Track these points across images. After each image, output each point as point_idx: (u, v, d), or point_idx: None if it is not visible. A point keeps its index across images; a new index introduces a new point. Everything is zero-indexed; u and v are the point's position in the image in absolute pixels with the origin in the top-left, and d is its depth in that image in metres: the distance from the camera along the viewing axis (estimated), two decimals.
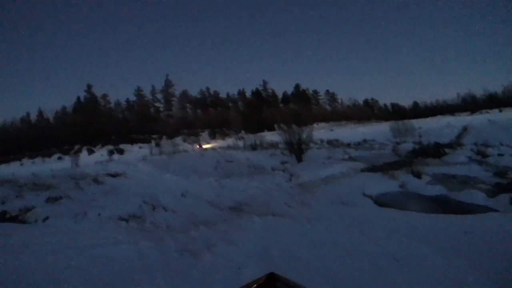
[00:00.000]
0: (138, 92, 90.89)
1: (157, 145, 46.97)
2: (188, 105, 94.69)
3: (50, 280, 5.47)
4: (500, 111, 61.00)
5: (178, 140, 57.25)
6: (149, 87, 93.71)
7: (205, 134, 68.31)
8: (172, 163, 24.76)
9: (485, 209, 9.36)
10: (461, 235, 6.39)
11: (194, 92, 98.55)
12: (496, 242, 5.79)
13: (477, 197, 10.75)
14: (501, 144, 23.54)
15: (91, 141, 57.60)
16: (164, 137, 62.30)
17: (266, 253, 6.35)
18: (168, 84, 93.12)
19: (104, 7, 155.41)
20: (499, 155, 19.37)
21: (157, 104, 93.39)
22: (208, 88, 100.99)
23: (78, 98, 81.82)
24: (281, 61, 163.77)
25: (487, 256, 5.24)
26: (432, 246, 5.94)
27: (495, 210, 9.16)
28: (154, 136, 63.28)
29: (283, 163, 22.82)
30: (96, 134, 59.23)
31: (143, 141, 58.11)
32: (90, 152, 53.35)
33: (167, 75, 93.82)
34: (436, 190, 12.32)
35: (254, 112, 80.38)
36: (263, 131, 61.14)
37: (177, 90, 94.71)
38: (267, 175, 18.60)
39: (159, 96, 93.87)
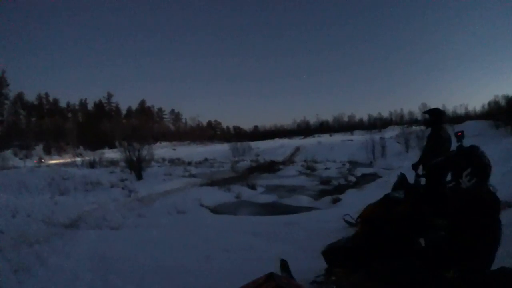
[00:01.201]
0: None
1: None
2: (22, 111, 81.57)
3: None
4: (330, 135, 69.03)
5: (8, 153, 50.44)
6: None
7: (39, 148, 61.94)
8: None
9: (309, 209, 10.36)
10: (284, 226, 6.99)
11: (31, 96, 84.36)
12: (312, 227, 6.55)
13: (303, 200, 12.08)
14: (327, 160, 27.06)
15: None
16: None
17: (102, 259, 6.10)
18: (2, 82, 77.30)
19: None
20: (325, 168, 22.02)
21: None
22: (47, 94, 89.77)
23: None
24: (128, 74, 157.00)
25: (302, 237, 5.99)
26: (258, 237, 6.38)
27: (319, 209, 10.27)
28: None
29: (122, 180, 21.98)
30: None
31: None
32: None
33: (3, 71, 76.48)
34: (268, 198, 13.29)
35: (95, 126, 75.58)
36: (103, 147, 58.10)
37: (11, 92, 78.21)
38: (106, 191, 17.81)
39: None
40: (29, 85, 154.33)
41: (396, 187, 5.18)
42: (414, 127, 47.37)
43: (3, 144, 54.41)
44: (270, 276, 2.19)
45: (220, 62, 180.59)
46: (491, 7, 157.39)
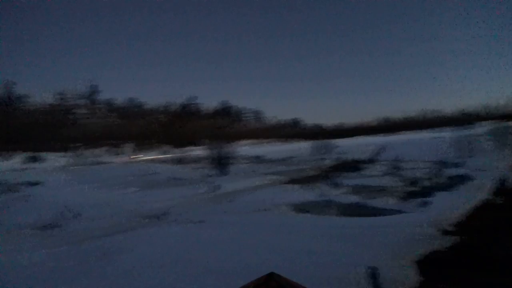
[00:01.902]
0: (62, 97, 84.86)
1: (79, 154, 44.76)
2: (113, 114, 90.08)
3: None
4: (415, 132, 65.66)
5: (101, 151, 54.95)
6: (74, 93, 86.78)
7: (129, 146, 66.34)
8: (94, 174, 23.96)
9: (395, 212, 9.99)
10: (372, 230, 6.76)
11: (120, 101, 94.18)
12: (400, 232, 6.21)
13: (389, 202, 11.62)
14: (414, 159, 25.72)
15: (5, 146, 53.58)
16: (86, 146, 59.53)
17: (185, 252, 6.35)
18: (94, 90, 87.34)
19: (38, 6, 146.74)
20: (412, 168, 21.07)
21: (80, 111, 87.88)
22: (134, 99, 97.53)
23: None
24: (211, 76, 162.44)
25: (391, 242, 5.64)
26: (345, 239, 6.24)
27: (406, 212, 9.82)
28: (76, 145, 60.20)
29: (207, 176, 22.79)
30: (13, 138, 55.03)
31: (63, 150, 55.07)
32: (5, 158, 49.94)
33: (93, 81, 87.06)
34: (352, 198, 12.89)
35: (181, 126, 79.13)
36: (189, 146, 60.61)
37: (102, 98, 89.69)
38: (191, 187, 18.49)
39: (83, 102, 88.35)
40: (117, 91, 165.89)
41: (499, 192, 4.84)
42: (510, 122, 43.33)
43: (97, 143, 59.57)
44: (270, 276, 2.28)
45: (302, 61, 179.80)
46: None
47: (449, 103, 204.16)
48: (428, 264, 3.12)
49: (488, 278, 3.04)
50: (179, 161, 31.64)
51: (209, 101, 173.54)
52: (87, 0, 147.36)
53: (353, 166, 24.38)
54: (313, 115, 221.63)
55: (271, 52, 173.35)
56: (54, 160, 45.69)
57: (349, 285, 3.95)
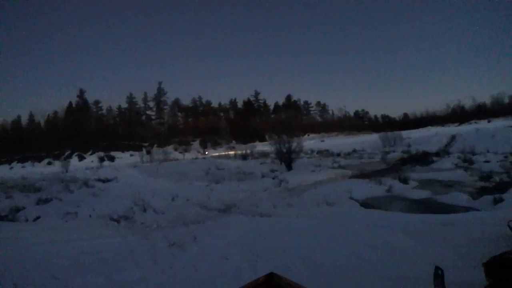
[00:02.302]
0: (130, 99, 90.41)
1: (148, 152, 46.77)
2: (179, 113, 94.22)
3: (41, 266, 5.67)
4: (489, 121, 61.44)
5: (170, 148, 57.16)
6: (141, 95, 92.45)
7: (196, 143, 68.35)
8: (163, 170, 25.00)
9: (468, 209, 9.54)
10: (440, 227, 6.64)
11: (186, 100, 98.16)
12: (471, 231, 6.05)
13: (461, 199, 11.03)
14: (488, 152, 24.15)
15: (81, 147, 57.24)
16: (155, 144, 62.13)
17: (252, 244, 6.57)
18: (160, 91, 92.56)
19: (99, 11, 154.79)
20: (485, 161, 19.96)
21: (148, 112, 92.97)
22: (200, 97, 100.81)
23: (70, 103, 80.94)
24: (273, 71, 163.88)
25: (461, 241, 5.53)
26: (411, 236, 6.18)
27: (478, 210, 9.38)
28: (145, 143, 63.07)
29: (273, 171, 23.08)
30: (87, 140, 58.87)
31: (134, 149, 57.85)
32: (81, 158, 53.12)
33: (160, 82, 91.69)
34: (422, 193, 12.48)
35: (245, 122, 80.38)
36: (254, 141, 61.41)
37: (169, 98, 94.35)
38: (257, 181, 18.84)
39: (151, 103, 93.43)
40: (184, 91, 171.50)
41: None
42: None
43: (165, 141, 62.42)
44: (270, 276, 2.26)
45: (363, 53, 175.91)
46: None
47: None
48: (497, 267, 3.07)
49: None
50: (246, 156, 32.13)
51: (273, 97, 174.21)
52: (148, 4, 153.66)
53: (422, 159, 23.65)
54: (379, 106, 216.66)
55: (333, 45, 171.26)
56: (126, 158, 48.12)
57: (412, 284, 4.00)
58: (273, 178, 19.28)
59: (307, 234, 7.06)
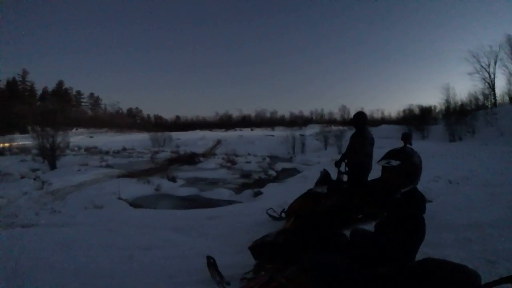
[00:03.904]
0: None
1: None
2: None
3: None
4: (252, 130, 69.93)
5: None
6: None
7: None
8: None
9: (231, 203, 10.42)
10: (205, 221, 6.99)
11: None
12: (235, 221, 6.56)
13: (224, 194, 12.22)
14: (248, 154, 27.64)
15: None
16: None
17: (15, 262, 5.69)
18: None
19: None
20: (246, 162, 22.52)
21: None
22: None
23: None
24: (46, 49, 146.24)
25: (226, 231, 5.92)
26: (180, 232, 6.30)
27: (240, 202, 10.35)
28: None
29: (34, 170, 20.76)
30: None
31: None
32: None
33: None
34: (189, 191, 13.22)
35: (6, 107, 69.53)
36: (13, 132, 54.26)
37: None
38: (16, 183, 16.71)
39: None
40: None
41: (319, 182, 5.42)
42: (333, 126, 49.82)
43: None
44: (270, 277, 2.25)
45: (146, 51, 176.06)
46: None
47: (285, 106, 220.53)
48: (261, 249, 3.45)
49: None
50: (1, 151, 28.34)
51: (42, 80, 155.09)
52: None
53: (190, 159, 24.80)
54: (153, 106, 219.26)
55: (117, 36, 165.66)
56: None
57: (184, 276, 4.07)
58: (35, 179, 17.38)
59: (75, 244, 6.51)
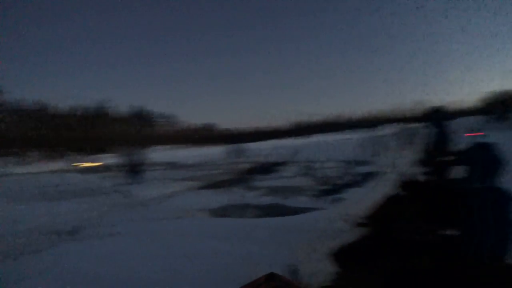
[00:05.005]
0: None
1: None
2: (19, 119, 78.54)
3: None
4: (327, 134, 69.25)
5: (4, 161, 47.67)
6: None
7: (34, 155, 59.83)
8: None
9: (311, 209, 10.38)
10: (284, 228, 6.89)
11: (27, 104, 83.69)
12: (316, 228, 6.39)
13: (304, 201, 12.29)
14: (326, 160, 27.36)
15: None
16: None
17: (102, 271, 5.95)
18: None
19: None
20: (324, 168, 22.56)
21: None
22: (41, 101, 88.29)
23: None
24: (123, 79, 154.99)
25: (309, 239, 5.75)
26: (255, 242, 6.25)
27: (320, 209, 10.30)
28: None
29: (120, 184, 21.97)
30: None
31: None
32: None
33: None
34: (269, 199, 13.29)
35: (92, 132, 74.22)
36: (100, 153, 57.81)
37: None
38: (101, 196, 17.70)
39: None
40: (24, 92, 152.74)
41: (403, 185, 5.12)
42: (411, 124, 47.52)
43: None
44: (270, 276, 2.24)
45: (212, 61, 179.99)
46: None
47: (353, 107, 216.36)
48: (344, 257, 3.24)
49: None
50: (90, 169, 30.27)
51: (121, 105, 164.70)
52: None
53: (268, 168, 24.96)
54: (226, 118, 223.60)
55: (179, 51, 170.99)
56: None
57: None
58: (121, 193, 18.36)
59: (157, 250, 6.65)
